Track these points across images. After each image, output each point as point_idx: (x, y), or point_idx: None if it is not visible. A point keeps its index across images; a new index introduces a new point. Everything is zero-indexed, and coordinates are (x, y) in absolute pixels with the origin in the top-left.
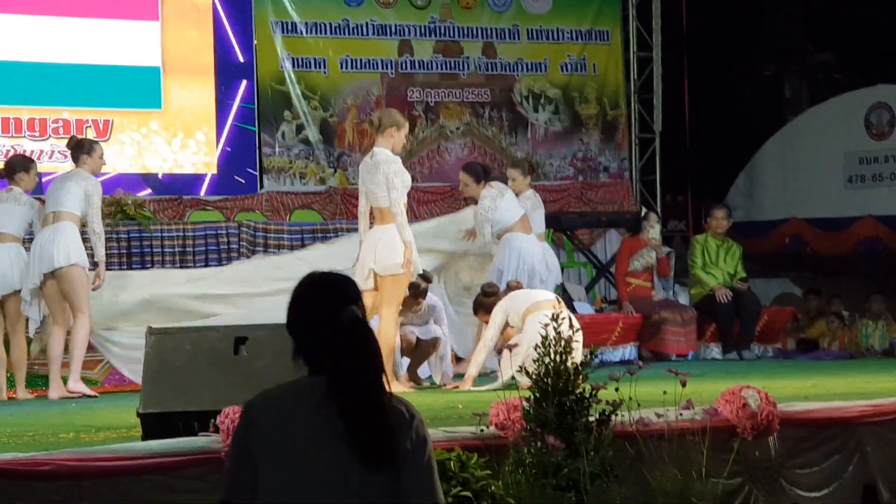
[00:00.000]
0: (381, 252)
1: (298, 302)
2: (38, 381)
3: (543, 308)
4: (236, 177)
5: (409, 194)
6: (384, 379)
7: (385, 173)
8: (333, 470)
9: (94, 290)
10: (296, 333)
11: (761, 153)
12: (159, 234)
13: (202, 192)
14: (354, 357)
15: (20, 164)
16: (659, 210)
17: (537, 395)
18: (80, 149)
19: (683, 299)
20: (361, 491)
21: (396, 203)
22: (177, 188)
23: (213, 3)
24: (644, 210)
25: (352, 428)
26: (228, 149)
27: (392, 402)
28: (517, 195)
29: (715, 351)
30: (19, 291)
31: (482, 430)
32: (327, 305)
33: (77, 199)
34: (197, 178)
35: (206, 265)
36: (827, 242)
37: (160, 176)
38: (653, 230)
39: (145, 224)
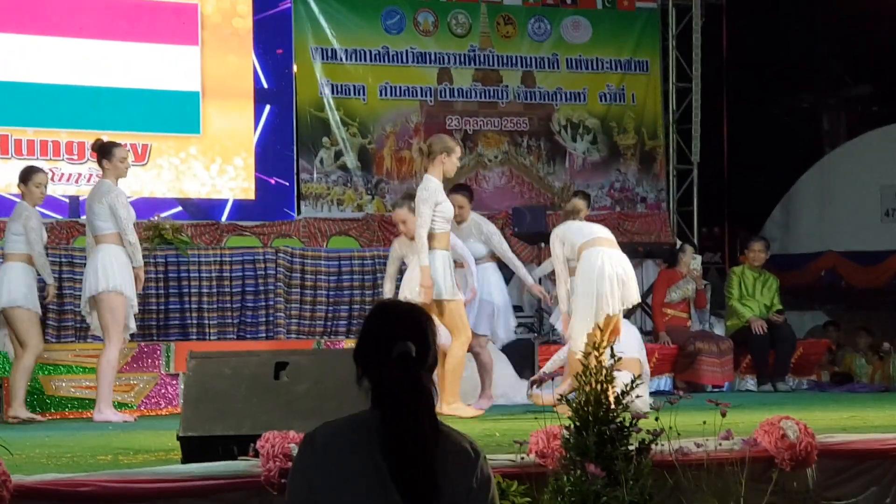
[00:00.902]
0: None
1: (363, 330)
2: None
3: (601, 244)
4: (274, 203)
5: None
6: (434, 417)
7: (417, 198)
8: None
9: (138, 293)
10: (358, 362)
11: (798, 185)
12: (196, 259)
13: (239, 218)
14: (399, 395)
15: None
16: (696, 241)
17: (577, 423)
18: (101, 154)
19: (719, 330)
20: None
21: (419, 228)
22: (214, 214)
23: (254, 29)
24: (679, 242)
25: (395, 468)
26: (266, 174)
27: (454, 439)
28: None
29: (750, 382)
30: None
31: (522, 458)
32: (382, 337)
33: (104, 217)
34: (234, 204)
35: (243, 291)
36: (863, 276)
37: (198, 201)
38: (694, 262)
39: (182, 249)
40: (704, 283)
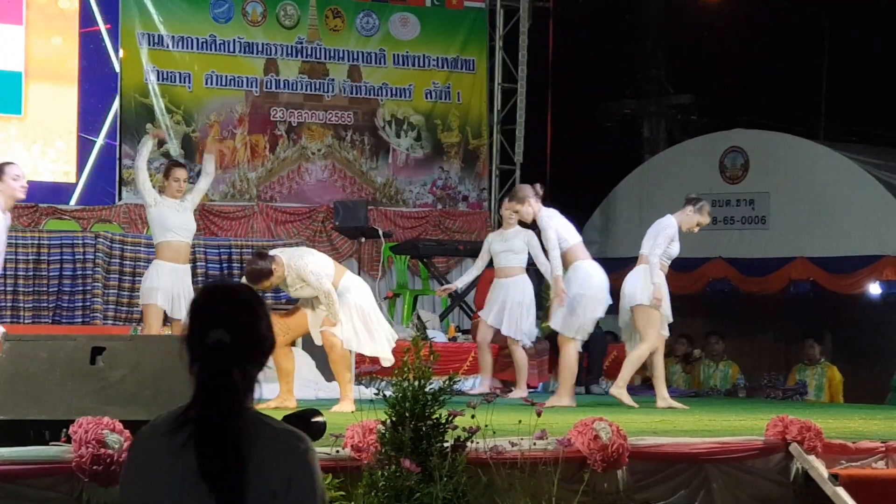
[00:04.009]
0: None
1: (188, 315)
2: None
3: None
4: (94, 187)
5: (266, 214)
6: (239, 410)
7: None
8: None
9: None
10: (186, 348)
11: (618, 190)
12: (13, 241)
13: (59, 202)
14: (204, 386)
15: None
16: None
17: (394, 419)
18: None
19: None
20: None
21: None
22: (34, 196)
23: (80, 11)
24: None
25: (199, 464)
26: (88, 158)
27: (274, 432)
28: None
29: None
30: None
31: (337, 451)
32: (198, 324)
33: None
34: (55, 187)
35: (60, 275)
36: (678, 282)
37: None
38: None
39: None
40: None
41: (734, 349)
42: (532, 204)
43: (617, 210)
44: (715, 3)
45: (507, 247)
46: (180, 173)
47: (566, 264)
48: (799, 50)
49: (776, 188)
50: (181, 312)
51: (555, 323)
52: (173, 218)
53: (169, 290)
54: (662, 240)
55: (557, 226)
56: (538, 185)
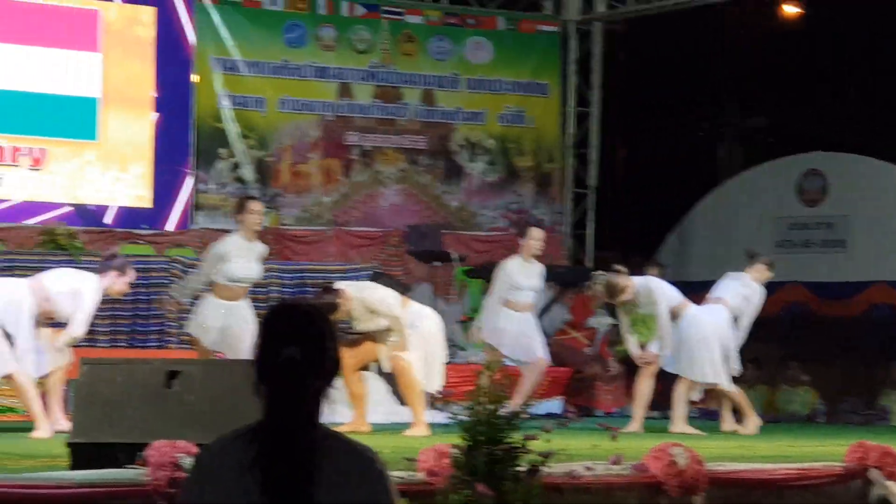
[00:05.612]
0: None
1: (257, 335)
2: None
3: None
4: (169, 212)
5: (340, 238)
6: (312, 426)
7: None
8: None
9: None
10: (254, 369)
11: (693, 213)
12: (90, 266)
13: (134, 226)
14: (276, 402)
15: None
16: (592, 265)
17: (468, 442)
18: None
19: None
20: None
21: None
22: (109, 221)
23: (156, 38)
24: (600, 271)
25: (266, 482)
26: (162, 183)
27: (346, 448)
28: None
29: None
30: None
31: (411, 476)
32: (270, 342)
33: None
34: (129, 212)
35: (136, 299)
36: None
37: (93, 208)
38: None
39: (76, 255)
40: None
41: (813, 374)
42: (628, 282)
43: (692, 233)
44: (791, 22)
45: (532, 285)
46: (257, 206)
47: (678, 315)
48: (879, 71)
49: (856, 211)
50: (234, 347)
51: (669, 364)
52: (241, 269)
53: (220, 328)
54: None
55: (667, 295)
56: (618, 266)
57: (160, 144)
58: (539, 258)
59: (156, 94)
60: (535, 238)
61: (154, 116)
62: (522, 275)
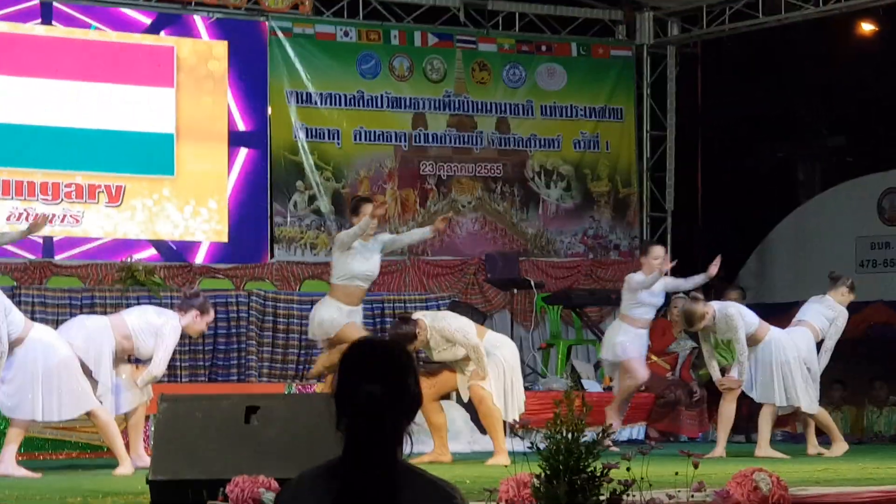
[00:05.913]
0: None
1: (338, 371)
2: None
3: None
4: (247, 246)
5: (418, 268)
6: (392, 464)
7: None
8: None
9: None
10: (335, 404)
11: (773, 235)
12: (168, 302)
13: (212, 261)
14: (355, 439)
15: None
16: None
17: (548, 472)
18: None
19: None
20: None
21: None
22: (187, 256)
23: (229, 72)
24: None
25: None
26: (240, 218)
27: (428, 485)
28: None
29: None
30: None
31: None
32: (351, 378)
33: None
34: (208, 246)
35: (215, 334)
36: None
37: (171, 243)
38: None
39: (155, 291)
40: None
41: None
42: (706, 309)
43: (772, 255)
44: (869, 39)
45: (655, 302)
46: (367, 208)
47: (758, 340)
48: None
49: None
50: None
51: (750, 389)
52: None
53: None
54: (826, 315)
55: (746, 321)
56: (695, 293)
57: (237, 178)
58: (619, 284)
59: (231, 129)
60: (656, 256)
61: (230, 150)
62: (645, 291)
